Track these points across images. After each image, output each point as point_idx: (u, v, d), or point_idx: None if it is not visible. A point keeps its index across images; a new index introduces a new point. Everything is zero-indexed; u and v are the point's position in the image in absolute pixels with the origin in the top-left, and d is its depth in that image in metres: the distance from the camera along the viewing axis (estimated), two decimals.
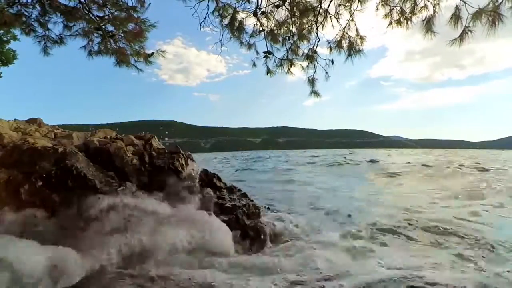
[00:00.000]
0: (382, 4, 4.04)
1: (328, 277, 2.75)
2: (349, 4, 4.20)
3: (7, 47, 7.37)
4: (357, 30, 4.39)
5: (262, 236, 3.69)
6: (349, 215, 5.15)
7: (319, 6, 4.26)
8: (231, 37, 4.69)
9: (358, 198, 7.33)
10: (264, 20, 4.57)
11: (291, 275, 2.75)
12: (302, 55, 4.84)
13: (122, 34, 4.62)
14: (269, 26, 4.65)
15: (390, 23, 4.08)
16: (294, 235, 3.98)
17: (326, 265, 2.99)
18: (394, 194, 8.21)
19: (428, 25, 3.56)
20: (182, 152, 4.61)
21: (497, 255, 3.42)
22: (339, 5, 4.24)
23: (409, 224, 4.63)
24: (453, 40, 3.26)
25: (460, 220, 4.78)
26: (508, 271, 2.85)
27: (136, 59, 4.76)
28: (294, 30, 4.66)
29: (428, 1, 3.62)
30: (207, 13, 4.39)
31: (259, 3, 4.37)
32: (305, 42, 4.75)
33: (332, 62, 4.68)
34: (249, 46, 4.84)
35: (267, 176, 13.67)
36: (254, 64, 4.98)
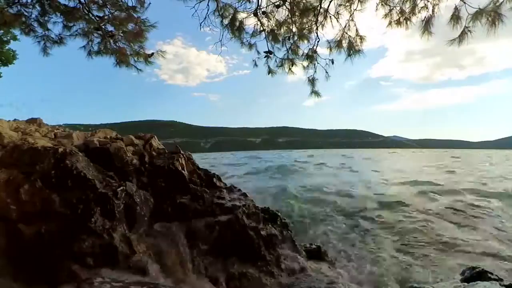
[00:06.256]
0: (382, 4, 4.04)
1: None
2: (349, 4, 4.19)
3: (7, 47, 7.36)
4: (356, 30, 4.39)
5: None
6: None
7: (319, 5, 4.26)
8: (231, 37, 4.69)
9: None
10: (264, 20, 4.57)
11: None
12: (302, 55, 4.84)
13: (122, 34, 4.61)
14: (269, 26, 4.64)
15: (390, 23, 4.08)
16: None
17: None
18: None
19: (427, 25, 3.56)
20: (182, 152, 4.62)
21: None
22: (339, 5, 4.23)
23: None
24: (452, 40, 3.27)
25: None
26: None
27: (136, 59, 4.76)
28: (294, 30, 4.65)
29: (428, 1, 3.62)
30: (207, 13, 4.38)
31: (260, 3, 4.36)
32: (305, 42, 4.75)
33: (332, 62, 4.67)
34: (250, 46, 4.83)
35: None
36: (255, 64, 4.97)
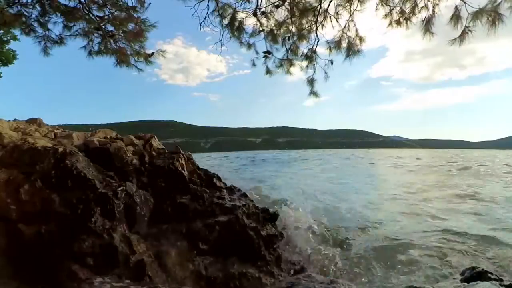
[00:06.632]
0: (382, 4, 4.04)
1: None
2: (348, 5, 4.20)
3: (7, 47, 7.37)
4: (356, 31, 4.40)
5: None
6: None
7: (319, 6, 4.26)
8: (231, 37, 4.69)
9: None
10: (264, 20, 4.57)
11: None
12: (301, 55, 4.84)
13: (122, 34, 4.62)
14: (268, 26, 4.65)
15: (390, 23, 4.09)
16: None
17: None
18: None
19: (427, 25, 3.57)
20: (182, 152, 4.62)
21: None
22: (338, 5, 4.24)
23: None
24: (453, 39, 3.27)
25: None
26: None
27: (136, 59, 4.76)
28: (293, 30, 4.66)
29: (428, 1, 3.62)
30: (207, 13, 4.39)
31: (259, 3, 4.37)
32: (305, 42, 4.75)
33: (332, 63, 4.68)
34: (249, 46, 4.84)
35: None
36: (254, 64, 4.98)
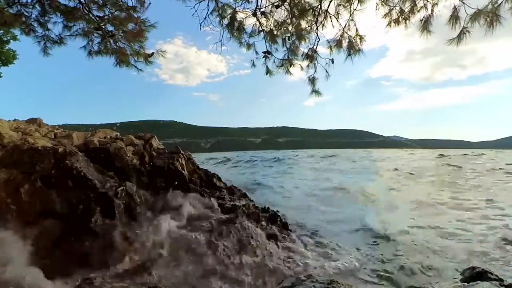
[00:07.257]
0: (382, 4, 4.04)
1: None
2: (348, 4, 4.19)
3: (7, 47, 7.36)
4: (356, 30, 4.39)
5: None
6: None
7: (319, 6, 4.26)
8: (230, 37, 4.69)
9: None
10: (263, 20, 4.57)
11: None
12: (302, 55, 4.83)
13: (122, 34, 4.61)
14: (268, 26, 4.64)
15: (389, 22, 4.09)
16: None
17: None
18: None
19: (426, 24, 3.57)
20: (182, 152, 4.62)
21: None
22: (338, 5, 4.24)
23: None
24: (451, 39, 3.27)
25: None
26: None
27: (136, 59, 4.75)
28: (293, 30, 4.65)
29: (427, 1, 3.62)
30: (207, 13, 4.38)
31: (259, 3, 4.36)
32: (305, 42, 4.74)
33: (332, 62, 4.67)
34: (248, 46, 4.83)
35: None
36: (253, 64, 4.97)
